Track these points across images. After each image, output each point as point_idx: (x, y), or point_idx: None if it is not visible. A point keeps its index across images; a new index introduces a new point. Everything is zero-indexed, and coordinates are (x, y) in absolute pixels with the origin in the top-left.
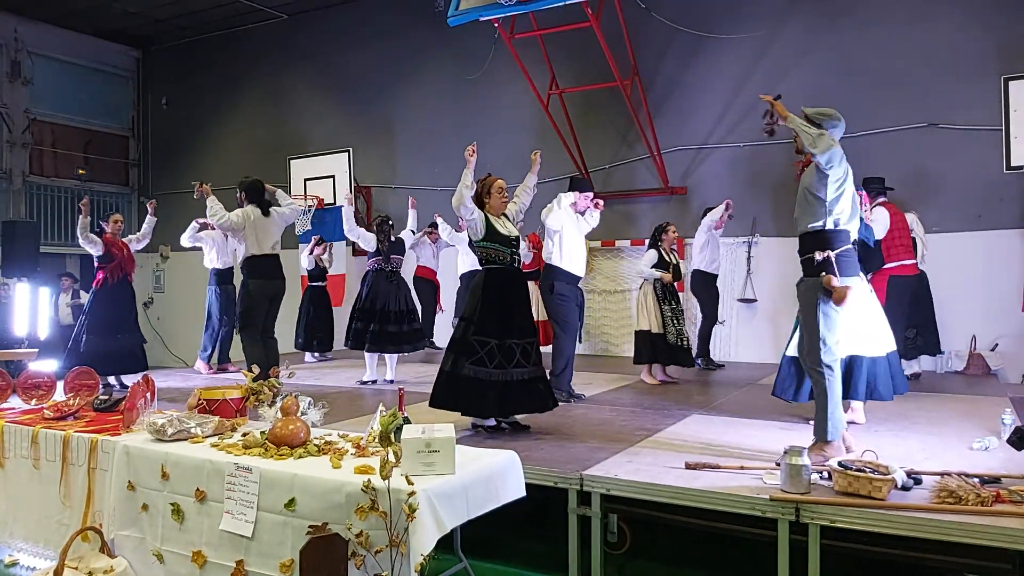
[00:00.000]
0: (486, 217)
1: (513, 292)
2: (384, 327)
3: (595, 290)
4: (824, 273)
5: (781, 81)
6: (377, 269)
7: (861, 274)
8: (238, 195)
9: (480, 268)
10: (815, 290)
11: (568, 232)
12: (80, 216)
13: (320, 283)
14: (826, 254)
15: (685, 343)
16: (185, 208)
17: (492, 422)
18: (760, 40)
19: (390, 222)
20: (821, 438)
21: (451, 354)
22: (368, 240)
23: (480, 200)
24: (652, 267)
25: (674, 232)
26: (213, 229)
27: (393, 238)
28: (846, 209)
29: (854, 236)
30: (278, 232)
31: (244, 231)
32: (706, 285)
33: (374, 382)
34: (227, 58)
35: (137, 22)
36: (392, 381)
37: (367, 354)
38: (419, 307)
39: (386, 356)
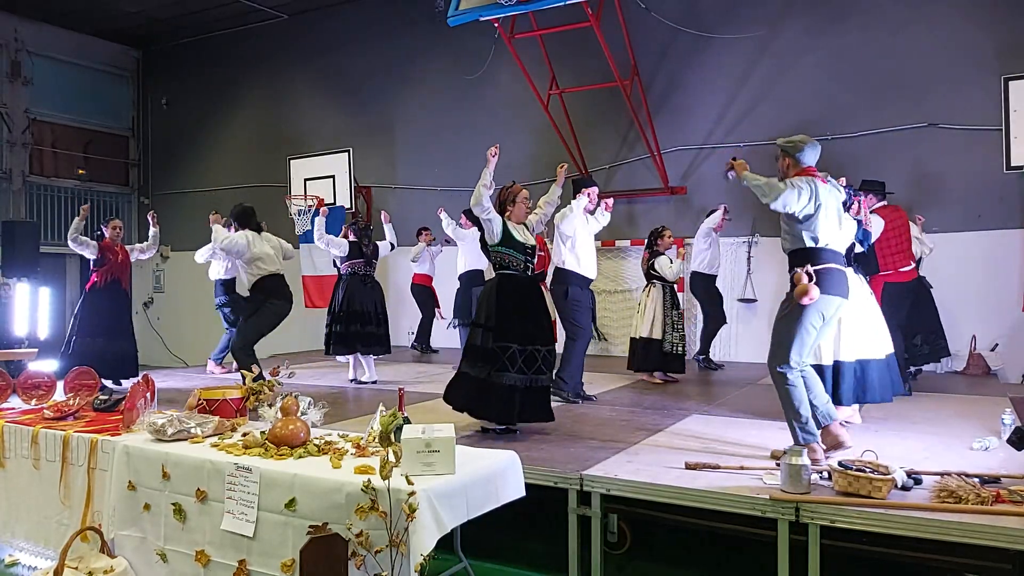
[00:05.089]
0: (504, 222)
1: (531, 299)
2: (361, 328)
3: (596, 290)
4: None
5: (781, 81)
6: (352, 273)
7: (861, 277)
8: (232, 225)
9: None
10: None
11: (580, 236)
12: (76, 219)
13: None
14: (805, 269)
15: (680, 349)
16: (185, 208)
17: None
18: (760, 40)
19: (370, 227)
20: (795, 442)
21: (477, 362)
22: (339, 245)
23: (503, 207)
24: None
25: (670, 236)
26: None
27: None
28: (825, 228)
29: (845, 249)
30: (276, 253)
31: (253, 250)
32: (705, 286)
33: (374, 382)
34: (227, 58)
35: (137, 22)
36: (375, 381)
37: (351, 356)
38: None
39: (362, 357)
